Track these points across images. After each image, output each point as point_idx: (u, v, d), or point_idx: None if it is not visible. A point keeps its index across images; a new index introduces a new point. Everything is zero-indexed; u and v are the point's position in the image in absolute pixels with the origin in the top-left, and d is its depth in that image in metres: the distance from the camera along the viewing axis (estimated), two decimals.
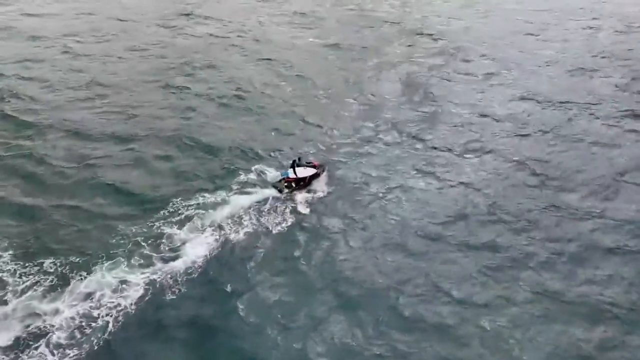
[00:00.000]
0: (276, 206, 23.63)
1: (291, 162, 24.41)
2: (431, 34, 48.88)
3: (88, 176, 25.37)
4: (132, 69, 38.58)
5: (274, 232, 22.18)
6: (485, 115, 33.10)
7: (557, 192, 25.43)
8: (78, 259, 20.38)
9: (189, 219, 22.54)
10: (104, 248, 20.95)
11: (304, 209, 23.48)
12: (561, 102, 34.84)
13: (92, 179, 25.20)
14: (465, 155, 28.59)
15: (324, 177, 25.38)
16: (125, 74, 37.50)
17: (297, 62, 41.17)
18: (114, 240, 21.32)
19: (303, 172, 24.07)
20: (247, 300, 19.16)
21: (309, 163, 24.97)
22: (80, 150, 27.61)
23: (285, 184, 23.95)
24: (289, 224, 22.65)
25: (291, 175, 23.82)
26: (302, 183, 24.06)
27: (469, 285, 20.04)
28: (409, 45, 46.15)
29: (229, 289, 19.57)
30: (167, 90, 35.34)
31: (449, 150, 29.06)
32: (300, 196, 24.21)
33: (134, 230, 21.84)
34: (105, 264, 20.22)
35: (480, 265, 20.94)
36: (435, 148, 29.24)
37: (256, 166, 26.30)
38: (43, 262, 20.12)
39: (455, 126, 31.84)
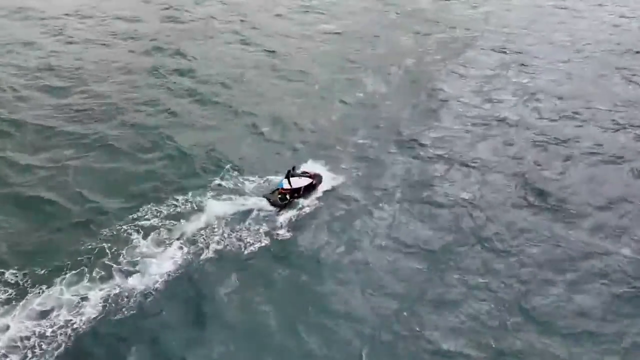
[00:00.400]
0: (255, 220, 21.84)
1: (286, 172, 22.70)
2: (448, 21, 45.82)
3: (51, 178, 24.13)
4: (113, 56, 37.04)
5: (248, 251, 20.39)
6: (493, 119, 30.61)
7: (561, 220, 22.97)
8: (39, 270, 19.27)
9: (157, 229, 21.12)
10: (66, 258, 19.69)
11: (286, 226, 21.72)
12: (580, 107, 32.04)
13: (55, 181, 23.97)
14: (465, 166, 26.29)
15: (318, 187, 23.76)
16: (104, 61, 35.99)
17: (296, 52, 39.06)
18: (77, 250, 20.04)
19: (298, 182, 22.50)
20: (211, 328, 17.71)
21: (304, 173, 23.36)
22: (43, 149, 26.23)
23: (279, 195, 22.30)
24: (268, 243, 20.81)
25: (286, 185, 22.17)
26: (296, 194, 22.53)
27: (460, 315, 18.36)
28: (422, 34, 43.34)
29: (191, 314, 18.12)
30: (147, 80, 33.75)
31: (449, 159, 26.85)
32: (285, 210, 22.57)
33: (98, 239, 20.53)
34: (67, 276, 19.02)
35: (479, 291, 19.26)
36: (435, 156, 27.06)
37: (236, 173, 24.63)
38: (4, 273, 19.24)
39: (458, 130, 29.51)
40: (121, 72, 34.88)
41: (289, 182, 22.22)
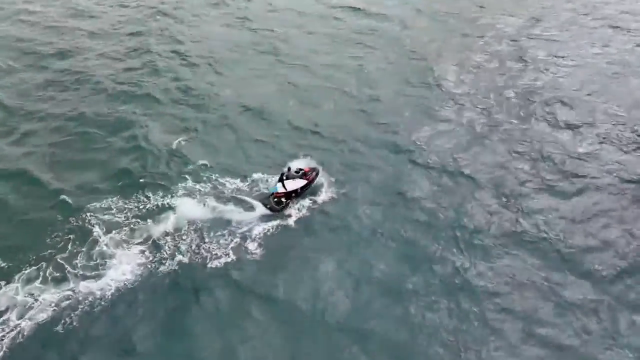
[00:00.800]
0: (228, 230, 20.24)
1: (279, 175, 21.65)
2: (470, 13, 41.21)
3: (17, 162, 22.98)
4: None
5: (213, 266, 18.88)
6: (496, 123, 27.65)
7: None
8: (1, 263, 18.59)
9: (121, 227, 19.92)
10: (30, 252, 18.93)
11: (259, 239, 20.02)
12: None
13: (21, 166, 22.80)
14: (456, 174, 23.84)
15: (319, 180, 22.56)
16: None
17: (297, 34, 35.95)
18: (41, 243, 19.23)
19: (293, 184, 21.46)
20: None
21: (299, 170, 22.04)
22: (11, 133, 25.00)
23: (275, 199, 21.27)
24: (234, 260, 19.12)
25: (280, 189, 21.20)
26: (294, 195, 21.53)
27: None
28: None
29: (141, 331, 17.01)
30: (128, 64, 31.45)
31: (441, 165, 24.06)
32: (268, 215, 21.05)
33: (62, 232, 19.63)
34: (26, 272, 18.33)
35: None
36: (428, 160, 24.44)
37: (215, 173, 22.76)
38: None
39: (458, 134, 26.49)
40: (101, 54, 32.68)
41: (283, 186, 21.22)
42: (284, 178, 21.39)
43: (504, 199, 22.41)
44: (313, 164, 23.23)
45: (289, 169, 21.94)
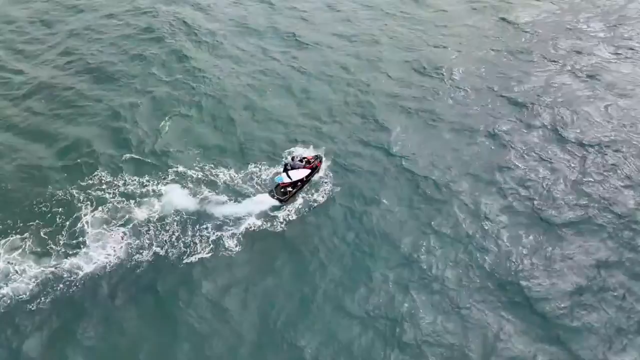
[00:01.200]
0: (212, 223, 19.58)
1: (283, 165, 21.35)
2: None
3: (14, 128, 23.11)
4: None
5: (187, 261, 18.33)
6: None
7: None
8: None
9: (106, 204, 19.70)
10: (17, 218, 19.23)
11: (240, 237, 19.24)
12: None
13: (18, 132, 22.93)
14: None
15: (322, 168, 22.03)
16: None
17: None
18: (28, 211, 19.51)
19: (297, 173, 21.16)
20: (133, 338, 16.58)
21: (303, 159, 21.68)
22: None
23: (282, 189, 20.98)
24: (209, 256, 18.53)
25: (285, 180, 20.91)
26: (299, 184, 21.25)
27: None
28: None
29: (107, 313, 16.98)
30: (135, 44, 29.85)
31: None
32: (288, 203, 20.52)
33: (50, 201, 19.74)
34: (10, 240, 18.63)
35: None
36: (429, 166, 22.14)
37: (210, 163, 21.79)
38: None
39: (459, 144, 23.77)
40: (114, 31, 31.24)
41: (288, 176, 20.91)
42: (289, 168, 21.00)
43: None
44: (315, 153, 22.57)
45: (293, 158, 21.58)
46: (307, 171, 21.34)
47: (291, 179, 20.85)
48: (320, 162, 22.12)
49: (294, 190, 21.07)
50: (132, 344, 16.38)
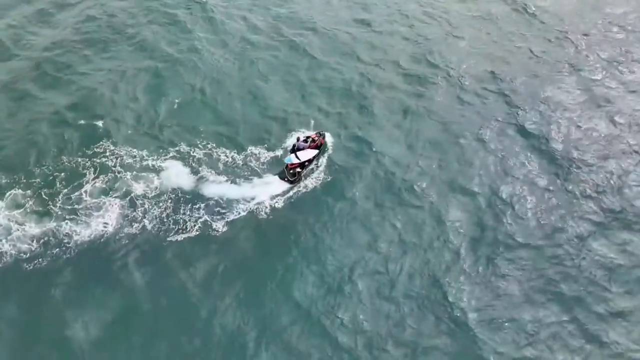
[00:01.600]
0: (204, 205, 19.78)
1: (291, 146, 21.91)
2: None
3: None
4: None
5: (171, 239, 18.63)
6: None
7: None
8: None
9: (108, 172, 20.31)
10: (22, 176, 20.13)
11: (230, 220, 19.44)
12: None
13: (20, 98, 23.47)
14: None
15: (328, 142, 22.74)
16: None
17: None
18: (31, 172, 20.24)
19: (305, 154, 21.72)
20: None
21: (307, 138, 22.10)
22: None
23: (291, 170, 21.38)
24: (195, 235, 18.80)
25: (294, 160, 21.43)
26: (307, 163, 21.78)
27: None
28: None
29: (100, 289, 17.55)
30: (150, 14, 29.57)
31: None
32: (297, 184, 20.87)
33: (56, 165, 20.46)
34: (12, 195, 19.50)
35: None
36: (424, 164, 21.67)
37: (212, 143, 21.96)
38: None
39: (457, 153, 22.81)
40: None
41: (297, 156, 21.42)
42: (296, 149, 21.49)
43: None
44: (317, 130, 23.06)
45: (298, 139, 21.97)
46: (315, 151, 21.86)
47: (300, 160, 21.35)
48: (324, 138, 22.62)
49: (302, 171, 21.48)
50: (124, 311, 17.07)
